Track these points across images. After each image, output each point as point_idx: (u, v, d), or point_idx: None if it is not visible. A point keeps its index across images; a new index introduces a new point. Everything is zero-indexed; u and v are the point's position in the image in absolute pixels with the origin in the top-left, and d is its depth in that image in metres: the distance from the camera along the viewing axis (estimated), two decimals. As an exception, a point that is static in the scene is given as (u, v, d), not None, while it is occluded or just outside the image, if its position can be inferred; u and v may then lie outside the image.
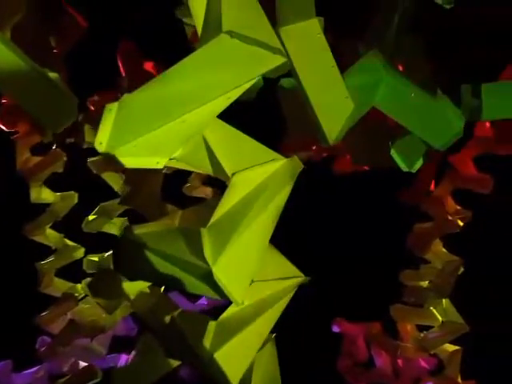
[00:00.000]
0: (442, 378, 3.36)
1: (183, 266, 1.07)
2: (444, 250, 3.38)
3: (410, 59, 1.94)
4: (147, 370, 1.53)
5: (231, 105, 1.13)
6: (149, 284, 1.70)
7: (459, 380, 3.31)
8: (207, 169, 1.14)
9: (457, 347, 3.32)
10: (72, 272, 3.45)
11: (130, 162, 1.01)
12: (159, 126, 1.01)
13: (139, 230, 1.15)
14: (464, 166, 3.29)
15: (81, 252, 3.41)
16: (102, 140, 0.98)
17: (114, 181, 3.18)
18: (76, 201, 3.39)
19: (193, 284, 1.09)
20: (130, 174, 2.64)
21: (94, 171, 3.23)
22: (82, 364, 3.24)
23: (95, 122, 2.89)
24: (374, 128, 1.99)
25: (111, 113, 1.00)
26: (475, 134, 2.90)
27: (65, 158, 3.36)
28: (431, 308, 3.38)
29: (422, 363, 3.62)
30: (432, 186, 3.32)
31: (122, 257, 1.16)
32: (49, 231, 3.40)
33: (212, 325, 1.19)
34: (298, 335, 4.01)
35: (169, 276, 1.11)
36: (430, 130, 1.50)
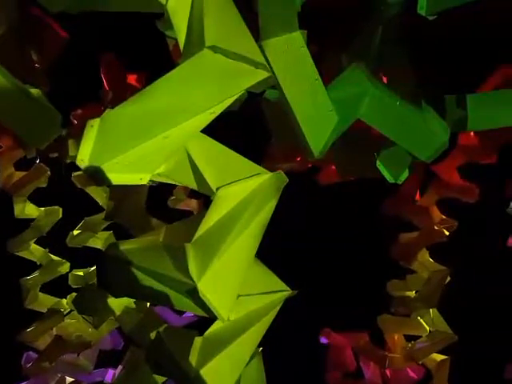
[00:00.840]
0: (430, 388, 3.36)
1: (168, 283, 1.06)
2: (430, 259, 3.40)
3: (395, 70, 1.95)
4: (134, 386, 1.51)
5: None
6: (134, 300, 1.68)
7: (447, 388, 3.31)
8: (191, 184, 1.13)
9: (445, 356, 3.33)
10: (57, 287, 3.41)
11: (112, 178, 1.00)
12: (142, 142, 1.00)
13: (123, 247, 1.14)
14: (448, 175, 3.32)
15: (66, 267, 3.38)
16: (84, 157, 0.97)
17: (99, 195, 3.17)
18: (60, 216, 3.38)
19: (179, 300, 1.08)
20: (114, 189, 2.62)
21: (79, 186, 3.21)
22: (69, 379, 3.19)
23: (79, 136, 2.87)
24: (359, 139, 2.00)
25: (93, 129, 0.99)
26: (459, 142, 2.93)
27: (48, 173, 3.35)
28: (418, 318, 3.39)
29: (411, 373, 3.62)
30: (417, 196, 3.34)
31: (106, 273, 1.15)
32: (33, 246, 3.38)
33: (198, 341, 1.17)
34: (286, 347, 3.99)
35: (154, 292, 1.10)
36: (415, 142, 1.51)
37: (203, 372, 1.11)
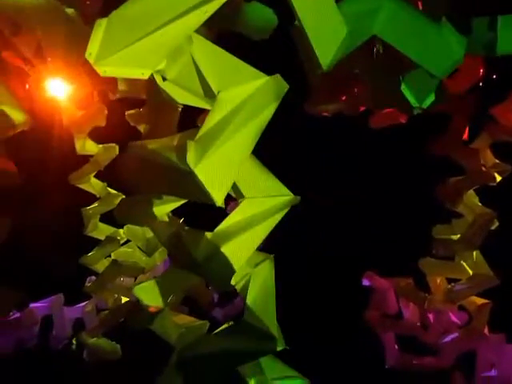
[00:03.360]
0: (468, 330, 3.35)
1: (176, 175, 1.19)
2: (478, 202, 3.33)
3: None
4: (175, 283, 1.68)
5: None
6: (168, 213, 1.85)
7: (486, 332, 3.30)
8: (196, 87, 1.23)
9: (486, 300, 3.30)
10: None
11: (117, 72, 1.12)
12: (141, 38, 1.12)
13: (141, 145, 1.28)
14: (506, 117, 3.19)
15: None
16: (92, 51, 1.10)
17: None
18: (117, 152, 3.58)
19: (182, 190, 1.21)
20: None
21: (132, 123, 3.39)
22: (125, 299, 3.49)
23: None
24: (390, 67, 1.99)
25: (100, 27, 1.11)
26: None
27: (106, 112, 3.55)
28: (461, 261, 3.36)
29: (453, 317, 3.62)
30: (465, 136, 3.25)
31: (125, 170, 1.29)
32: (93, 180, 3.63)
33: (208, 235, 1.31)
34: (329, 287, 4.10)
35: (165, 186, 1.24)
36: (431, 57, 1.49)
37: (211, 259, 1.25)
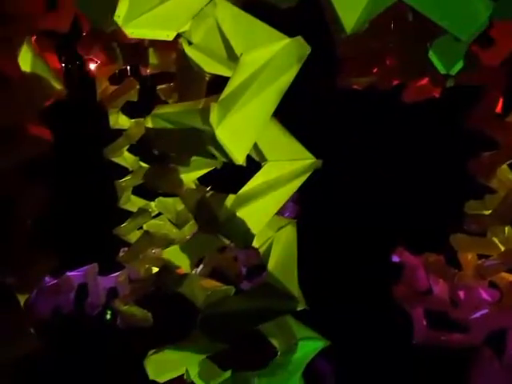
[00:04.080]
0: (498, 307, 3.32)
1: (200, 136, 1.24)
2: (511, 177, 3.26)
3: None
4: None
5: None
6: (195, 180, 1.90)
7: (517, 309, 3.26)
8: (219, 50, 1.26)
9: (517, 277, 3.26)
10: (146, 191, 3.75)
11: (143, 33, 1.17)
12: (166, 0, 1.15)
13: (167, 110, 1.32)
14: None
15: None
16: (120, 14, 1.14)
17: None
18: (150, 126, 3.64)
19: (203, 150, 1.25)
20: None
21: (163, 98, 3.45)
22: (155, 269, 3.60)
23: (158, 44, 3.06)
24: (420, 35, 1.96)
25: (129, -10, 1.15)
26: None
27: (138, 87, 3.62)
28: (493, 237, 3.31)
29: (483, 294, 3.58)
30: (499, 108, 3.17)
31: (154, 137, 1.35)
32: (126, 153, 3.73)
33: (231, 197, 1.35)
34: (359, 263, 4.12)
35: (190, 146, 1.29)
36: (455, 20, 1.46)
37: (232, 218, 1.29)
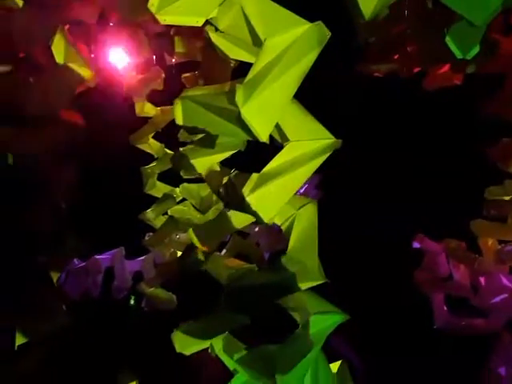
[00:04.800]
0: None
1: (226, 115, 1.32)
2: (531, 162, 3.26)
3: None
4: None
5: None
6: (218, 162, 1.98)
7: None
8: (245, 36, 1.34)
9: (538, 262, 3.27)
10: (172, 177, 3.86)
11: (175, 20, 1.25)
12: None
13: (198, 92, 1.41)
14: None
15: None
16: (154, 2, 1.23)
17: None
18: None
19: (231, 129, 1.34)
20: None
21: (187, 85, 3.53)
22: (180, 253, 3.72)
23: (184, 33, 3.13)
24: (439, 22, 1.99)
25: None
26: None
27: (163, 76, 3.71)
28: (514, 223, 3.32)
29: (505, 281, 3.60)
30: (517, 94, 3.17)
31: (184, 116, 1.43)
32: (151, 140, 3.83)
33: (254, 175, 1.43)
34: (380, 249, 4.16)
35: (218, 124, 1.37)
36: (469, 6, 1.50)
37: (254, 195, 1.37)
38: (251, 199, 1.38)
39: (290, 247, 1.53)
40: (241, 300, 1.57)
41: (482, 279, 3.67)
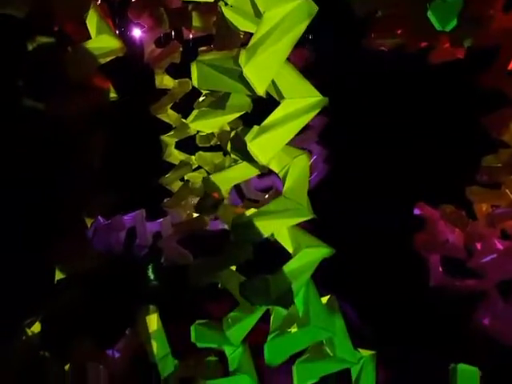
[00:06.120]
0: (509, 251, 3.56)
1: (233, 75, 1.63)
2: (525, 131, 3.45)
3: None
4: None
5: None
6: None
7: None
8: (248, 9, 1.63)
9: (527, 226, 3.49)
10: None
11: None
12: None
13: (207, 57, 1.72)
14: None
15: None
16: None
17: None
18: (191, 87, 4.02)
19: (234, 86, 1.64)
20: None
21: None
22: (195, 215, 4.05)
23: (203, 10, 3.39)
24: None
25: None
26: None
27: (181, 49, 3.97)
28: (506, 190, 3.54)
29: (498, 244, 3.83)
30: (511, 66, 3.35)
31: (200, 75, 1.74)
32: (169, 111, 4.12)
33: (255, 128, 1.73)
34: (381, 215, 4.41)
35: (224, 82, 1.68)
36: None
37: (254, 142, 1.68)
38: (252, 145, 1.68)
39: (285, 189, 1.83)
40: (241, 231, 1.86)
41: (478, 245, 3.89)
